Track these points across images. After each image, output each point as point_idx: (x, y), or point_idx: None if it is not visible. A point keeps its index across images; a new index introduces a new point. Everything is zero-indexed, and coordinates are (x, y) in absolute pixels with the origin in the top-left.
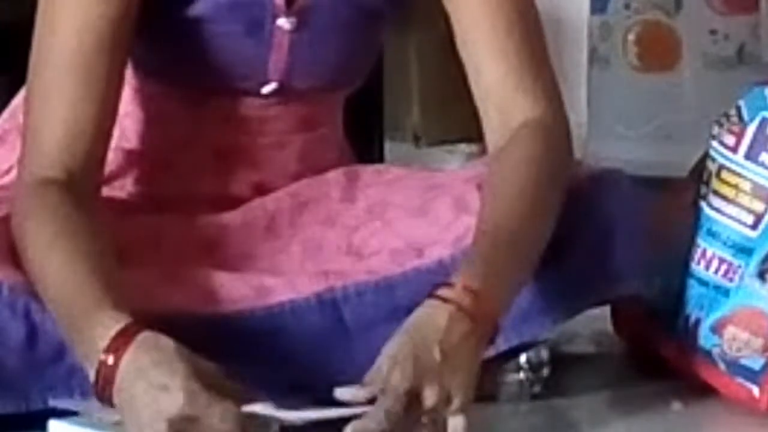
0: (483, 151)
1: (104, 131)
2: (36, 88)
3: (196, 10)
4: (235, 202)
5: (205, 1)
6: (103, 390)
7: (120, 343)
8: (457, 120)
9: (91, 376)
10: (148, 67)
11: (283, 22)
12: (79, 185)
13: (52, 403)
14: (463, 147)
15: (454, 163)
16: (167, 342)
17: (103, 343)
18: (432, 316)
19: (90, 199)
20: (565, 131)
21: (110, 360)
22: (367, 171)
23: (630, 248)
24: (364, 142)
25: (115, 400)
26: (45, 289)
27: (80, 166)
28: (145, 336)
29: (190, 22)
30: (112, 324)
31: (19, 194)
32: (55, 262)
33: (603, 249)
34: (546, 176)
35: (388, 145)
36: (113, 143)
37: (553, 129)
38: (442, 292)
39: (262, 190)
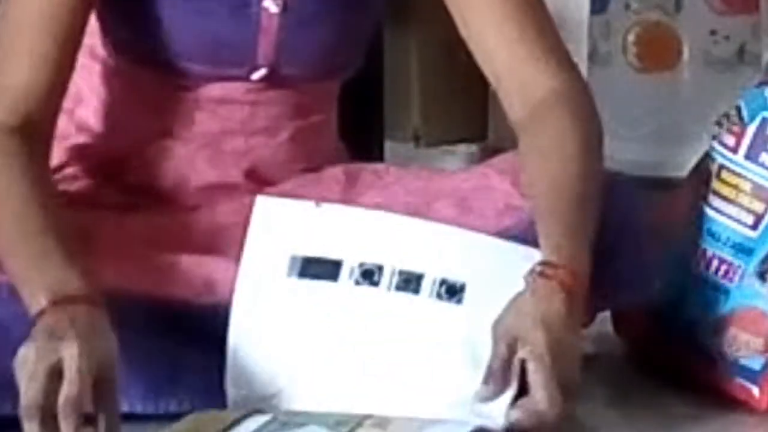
0: (483, 151)
1: (63, 85)
2: (3, 39)
3: None
4: (229, 190)
5: None
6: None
7: (59, 304)
8: (457, 120)
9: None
10: (135, 53)
11: (270, 4)
12: (35, 135)
13: None
14: (463, 147)
15: (454, 163)
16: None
17: (43, 303)
18: (530, 295)
19: (44, 150)
20: (588, 98)
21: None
22: (367, 170)
23: (636, 257)
24: (364, 142)
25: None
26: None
27: (38, 116)
28: (77, 308)
29: (171, 2)
30: (55, 286)
31: None
32: (8, 210)
33: (608, 258)
34: (581, 144)
35: (388, 145)
36: (104, 134)
37: (575, 98)
38: (537, 274)
39: (255, 177)
